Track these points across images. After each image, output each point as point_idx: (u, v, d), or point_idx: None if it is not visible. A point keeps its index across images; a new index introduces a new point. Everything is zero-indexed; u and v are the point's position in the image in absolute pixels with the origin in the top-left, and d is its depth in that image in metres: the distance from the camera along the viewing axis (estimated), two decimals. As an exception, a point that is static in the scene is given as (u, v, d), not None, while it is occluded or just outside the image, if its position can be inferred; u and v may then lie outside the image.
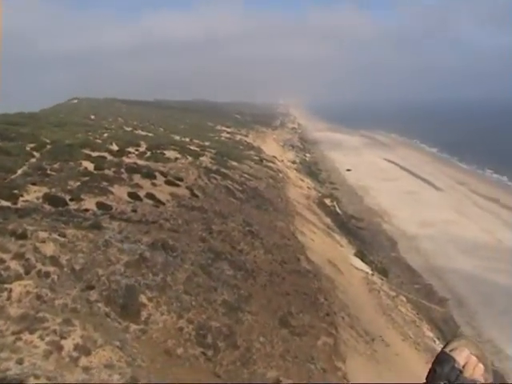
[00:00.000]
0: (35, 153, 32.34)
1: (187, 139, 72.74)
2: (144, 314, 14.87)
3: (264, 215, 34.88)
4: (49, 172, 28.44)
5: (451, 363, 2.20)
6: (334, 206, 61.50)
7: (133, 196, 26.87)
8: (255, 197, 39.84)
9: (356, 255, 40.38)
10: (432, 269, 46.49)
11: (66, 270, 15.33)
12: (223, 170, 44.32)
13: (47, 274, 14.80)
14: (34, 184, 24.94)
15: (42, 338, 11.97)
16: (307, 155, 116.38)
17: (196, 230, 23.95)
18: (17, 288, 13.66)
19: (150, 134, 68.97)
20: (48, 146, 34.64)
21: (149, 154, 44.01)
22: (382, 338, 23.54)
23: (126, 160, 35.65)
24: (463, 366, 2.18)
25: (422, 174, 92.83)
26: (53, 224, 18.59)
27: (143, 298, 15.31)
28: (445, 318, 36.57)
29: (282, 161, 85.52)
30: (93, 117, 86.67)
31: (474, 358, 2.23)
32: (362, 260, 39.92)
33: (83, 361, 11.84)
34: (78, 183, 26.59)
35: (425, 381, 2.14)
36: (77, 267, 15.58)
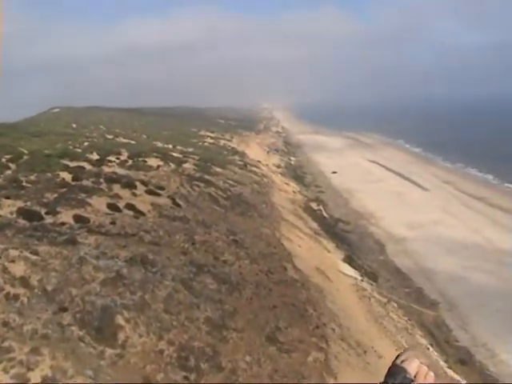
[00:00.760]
0: (11, 164, 31.24)
1: (170, 146, 71.86)
2: (121, 336, 13.87)
3: (249, 222, 33.94)
4: (24, 184, 27.36)
5: (403, 374, 2.31)
6: (321, 210, 60.68)
7: (112, 207, 25.83)
8: (240, 203, 38.89)
9: (344, 260, 39.52)
10: (422, 271, 45.74)
11: (36, 291, 14.32)
12: (206, 176, 43.37)
13: (16, 297, 13.77)
14: (7, 198, 23.87)
15: (6, 370, 10.95)
16: (292, 158, 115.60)
17: (178, 242, 22.99)
18: (-19, 314, 12.66)
19: (132, 142, 68.05)
20: (25, 157, 33.58)
21: (130, 162, 43.02)
22: (374, 349, 22.62)
23: (106, 169, 34.62)
24: (414, 376, 2.29)
25: (407, 175, 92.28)
26: (25, 240, 17.61)
27: (120, 319, 14.31)
28: (437, 323, 35.76)
29: (267, 165, 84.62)
30: (74, 125, 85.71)
31: (424, 367, 2.34)
32: (351, 265, 39.06)
33: (52, 395, 10.88)
34: (55, 195, 25.55)
35: None
36: (49, 288, 14.57)
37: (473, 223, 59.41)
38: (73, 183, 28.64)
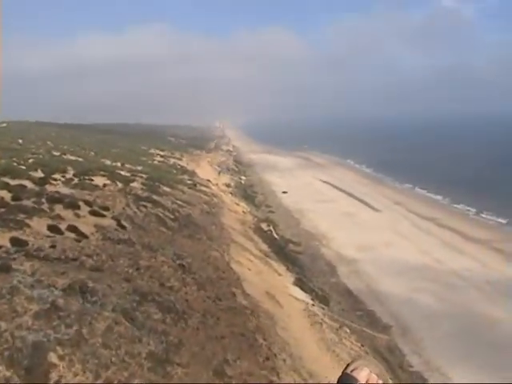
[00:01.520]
0: None
1: (118, 164, 70.26)
2: (54, 376, 12.60)
3: (197, 245, 32.82)
4: (-42, 206, 25.88)
5: (353, 382, 2.46)
6: (271, 231, 59.82)
7: (53, 229, 24.40)
8: (188, 225, 37.73)
9: (295, 284, 38.63)
10: (373, 293, 45.29)
11: (-40, 326, 13.04)
12: (154, 196, 42.09)
13: None
14: None
15: None
16: (242, 178, 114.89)
17: (122, 267, 21.76)
18: None
19: (80, 159, 66.26)
20: (-38, 176, 32.00)
21: (76, 180, 41.57)
22: (328, 380, 21.67)
23: (49, 188, 33.09)
24: None
25: (358, 195, 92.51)
26: (-47, 269, 16.24)
27: (53, 357, 13.04)
28: (390, 347, 35.15)
29: (217, 184, 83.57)
30: (20, 141, 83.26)
31: (374, 376, 2.49)
32: (302, 288, 38.20)
33: None
34: (-9, 217, 24.13)
35: None
36: (-26, 323, 13.30)
37: (423, 244, 59.53)
38: (12, 203, 27.08)
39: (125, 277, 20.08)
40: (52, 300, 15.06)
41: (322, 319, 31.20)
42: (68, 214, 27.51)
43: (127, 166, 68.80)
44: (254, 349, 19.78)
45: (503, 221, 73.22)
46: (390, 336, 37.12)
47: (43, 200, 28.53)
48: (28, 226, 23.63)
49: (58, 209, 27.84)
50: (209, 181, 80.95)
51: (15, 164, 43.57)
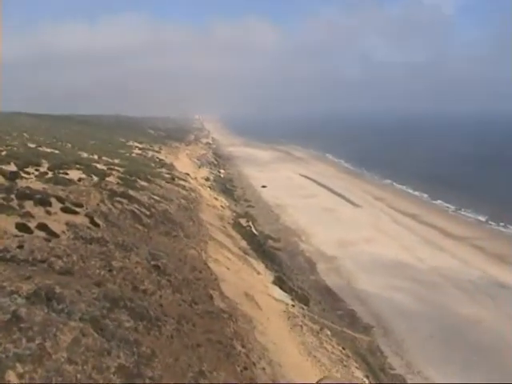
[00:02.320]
0: None
1: (95, 156, 68.86)
2: (12, 396, 11.56)
3: (174, 243, 31.72)
4: None
5: None
6: (250, 227, 58.79)
7: (21, 228, 23.15)
8: (164, 222, 36.57)
9: (274, 283, 37.61)
10: (354, 292, 44.53)
11: None
12: (130, 191, 40.85)
13: None
14: None
15: None
16: (221, 171, 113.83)
17: (93, 268, 20.63)
18: None
19: (56, 151, 64.80)
20: None
21: (50, 174, 40.31)
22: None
23: (20, 183, 31.81)
24: None
25: (339, 190, 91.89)
26: None
27: (12, 375, 11.91)
28: (371, 349, 34.32)
29: (196, 178, 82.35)
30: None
31: None
32: (282, 288, 37.20)
33: None
34: (-44, 214, 22.91)
35: None
36: None
37: (405, 241, 58.99)
38: (-21, 199, 25.89)
39: (96, 281, 18.95)
40: (13, 310, 13.90)
41: (302, 321, 30.25)
42: (39, 211, 26.28)
43: (104, 158, 67.46)
44: (232, 357, 18.77)
45: (482, 218, 73.01)
46: (372, 337, 36.32)
47: (12, 196, 27.26)
48: (-5, 224, 22.46)
49: (29, 205, 26.59)
50: (187, 174, 79.75)
51: (-14, 156, 42.26)
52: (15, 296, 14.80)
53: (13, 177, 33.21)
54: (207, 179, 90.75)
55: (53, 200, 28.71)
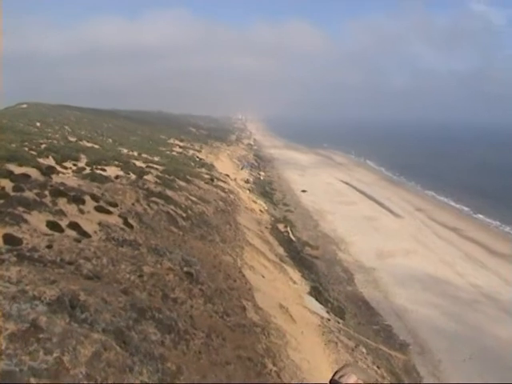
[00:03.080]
0: None
1: (135, 153, 68.52)
2: (22, 415, 10.68)
3: (209, 248, 30.81)
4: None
5: None
6: (288, 232, 57.75)
7: (52, 226, 22.42)
8: (200, 225, 35.73)
9: (310, 293, 36.53)
10: (391, 306, 43.13)
11: None
12: (168, 191, 40.15)
13: None
14: None
15: None
16: (261, 173, 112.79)
17: (123, 273, 19.77)
18: None
19: (96, 146, 64.61)
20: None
21: (88, 170, 39.84)
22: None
23: (55, 179, 31.17)
24: None
25: (379, 198, 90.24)
26: None
27: (25, 391, 11.11)
28: (407, 368, 32.96)
29: (235, 179, 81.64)
30: (38, 124, 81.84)
31: (361, 382, 2.82)
32: (317, 299, 36.12)
33: None
34: (-13, 208, 22.23)
35: None
36: None
37: (445, 256, 57.22)
38: (12, 194, 25.22)
39: (124, 287, 18.06)
40: (33, 318, 13.05)
41: (337, 337, 29.09)
42: (72, 209, 25.61)
43: (144, 155, 67.10)
44: (262, 377, 17.74)
45: (527, 236, 70.68)
46: (408, 355, 34.93)
47: (46, 192, 26.60)
48: (26, 221, 21.75)
49: (62, 203, 25.93)
50: (227, 175, 79.10)
51: (26, 149, 41.87)
52: (36, 302, 13.96)
53: (49, 172, 32.62)
54: (247, 181, 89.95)
55: (87, 198, 28.04)
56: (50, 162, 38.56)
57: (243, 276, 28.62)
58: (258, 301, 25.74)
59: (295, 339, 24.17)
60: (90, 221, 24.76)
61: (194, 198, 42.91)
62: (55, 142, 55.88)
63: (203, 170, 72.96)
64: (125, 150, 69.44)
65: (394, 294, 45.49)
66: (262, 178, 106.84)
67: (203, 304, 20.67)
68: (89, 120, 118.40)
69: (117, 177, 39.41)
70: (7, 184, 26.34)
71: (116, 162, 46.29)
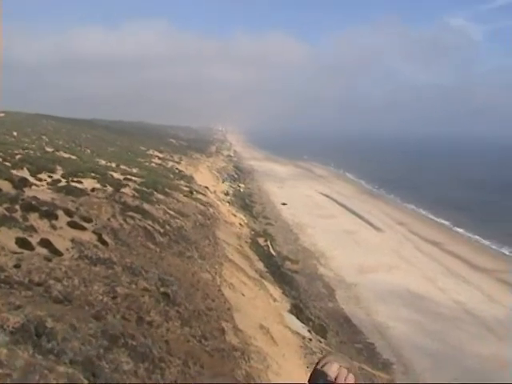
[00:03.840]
0: None
1: (113, 164, 67.31)
2: None
3: (187, 265, 29.75)
4: None
5: (324, 377, 2.42)
6: (268, 247, 56.80)
7: (22, 243, 21.22)
8: (179, 240, 34.62)
9: (291, 311, 35.54)
10: (373, 323, 42.31)
11: None
12: (145, 205, 39.05)
13: None
14: None
15: None
16: (241, 185, 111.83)
17: (95, 294, 18.68)
18: None
19: (73, 157, 63.32)
20: None
21: (63, 182, 38.66)
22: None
23: (28, 193, 29.96)
24: (335, 378, 2.39)
25: (359, 212, 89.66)
26: None
27: None
28: (391, 389, 32.19)
29: (215, 192, 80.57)
30: (15, 133, 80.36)
31: (344, 370, 2.45)
32: (298, 317, 35.14)
33: None
34: (-47, 224, 21.09)
35: None
36: None
37: (427, 271, 56.58)
38: (-19, 209, 24.03)
39: (95, 312, 16.95)
40: (-8, 350, 11.95)
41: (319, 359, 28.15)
42: (43, 224, 24.46)
43: (122, 167, 65.91)
44: (242, 407, 16.73)
45: (506, 250, 70.14)
46: (391, 375, 34.07)
47: (17, 207, 25.41)
48: (-7, 238, 20.61)
49: (33, 218, 24.78)
50: (206, 188, 77.99)
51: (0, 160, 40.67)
52: (-2, 332, 12.85)
53: (21, 184, 31.40)
54: (227, 193, 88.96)
55: (60, 213, 26.90)
56: (25, 173, 37.39)
57: (222, 295, 27.61)
58: (237, 322, 24.73)
59: (276, 362, 23.16)
60: (62, 237, 23.62)
61: (172, 212, 41.83)
62: (31, 152, 54.57)
63: (182, 182, 71.83)
64: (103, 162, 68.18)
65: (376, 310, 44.69)
66: (241, 190, 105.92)
67: (180, 327, 19.60)
68: (67, 130, 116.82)
69: (93, 189, 38.28)
70: (-24, 198, 25.20)
71: (93, 174, 45.13)
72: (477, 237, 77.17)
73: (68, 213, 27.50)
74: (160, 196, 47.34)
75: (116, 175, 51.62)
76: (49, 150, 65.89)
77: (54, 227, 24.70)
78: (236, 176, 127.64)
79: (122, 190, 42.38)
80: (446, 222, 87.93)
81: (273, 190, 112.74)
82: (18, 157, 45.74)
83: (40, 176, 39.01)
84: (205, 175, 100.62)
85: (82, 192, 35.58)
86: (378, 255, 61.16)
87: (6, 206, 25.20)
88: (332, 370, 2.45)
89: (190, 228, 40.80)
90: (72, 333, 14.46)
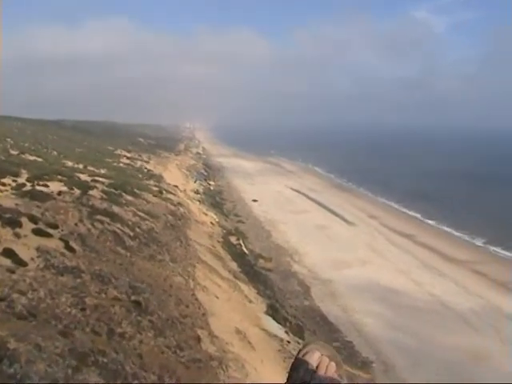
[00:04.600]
0: None
1: (81, 166, 65.93)
2: None
3: (158, 269, 28.75)
4: None
5: (305, 366, 2.28)
6: (240, 245, 55.94)
7: (-17, 254, 20.18)
8: (149, 243, 33.57)
9: (267, 312, 34.70)
10: (350, 320, 41.80)
11: None
12: (114, 207, 37.95)
13: None
14: None
15: None
16: (211, 183, 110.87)
17: (63, 307, 17.66)
18: None
19: (39, 159, 61.85)
20: None
21: (28, 186, 37.35)
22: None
23: (-10, 199, 28.77)
24: (316, 367, 2.26)
25: (331, 206, 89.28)
26: None
27: None
28: (371, 388, 31.56)
29: (184, 190, 79.45)
30: (-22, 137, 78.44)
31: (325, 358, 2.32)
32: (275, 318, 34.32)
33: None
34: None
35: None
36: None
37: (401, 264, 56.28)
38: None
39: (62, 327, 15.91)
40: None
41: (298, 362, 27.36)
42: (6, 233, 23.26)
43: (90, 168, 64.58)
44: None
45: (479, 241, 70.12)
46: (371, 374, 33.44)
47: (-22, 215, 24.23)
48: (-48, 250, 19.50)
49: (-5, 227, 23.62)
50: (176, 186, 76.83)
51: (-40, 166, 39.30)
52: (-46, 357, 11.83)
53: (-17, 191, 30.16)
54: (197, 192, 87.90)
55: (24, 220, 25.70)
56: (-14, 179, 36.05)
57: (196, 299, 26.68)
58: (213, 327, 23.84)
59: (255, 369, 22.31)
60: (26, 246, 22.47)
61: (141, 214, 40.77)
62: (-6, 156, 53.09)
63: (151, 181, 70.61)
64: (70, 163, 66.73)
65: (352, 307, 44.16)
66: (211, 187, 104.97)
67: (153, 338, 18.65)
68: (32, 132, 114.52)
69: (60, 193, 37.02)
70: None
71: (59, 177, 43.87)
72: (448, 229, 77.14)
73: (33, 219, 26.32)
74: (129, 197, 46.23)
75: (83, 177, 50.35)
76: (13, 152, 64.28)
77: (17, 235, 23.51)
78: (205, 174, 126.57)
79: (90, 192, 41.20)
80: (417, 215, 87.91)
81: (243, 186, 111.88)
82: (-21, 162, 44.36)
83: (3, 181, 37.64)
84: (174, 174, 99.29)
85: (48, 196, 34.36)
86: (352, 250, 60.74)
87: (-34, 214, 24.04)
88: (313, 358, 2.32)
89: (161, 229, 39.79)
90: (37, 353, 13.40)
